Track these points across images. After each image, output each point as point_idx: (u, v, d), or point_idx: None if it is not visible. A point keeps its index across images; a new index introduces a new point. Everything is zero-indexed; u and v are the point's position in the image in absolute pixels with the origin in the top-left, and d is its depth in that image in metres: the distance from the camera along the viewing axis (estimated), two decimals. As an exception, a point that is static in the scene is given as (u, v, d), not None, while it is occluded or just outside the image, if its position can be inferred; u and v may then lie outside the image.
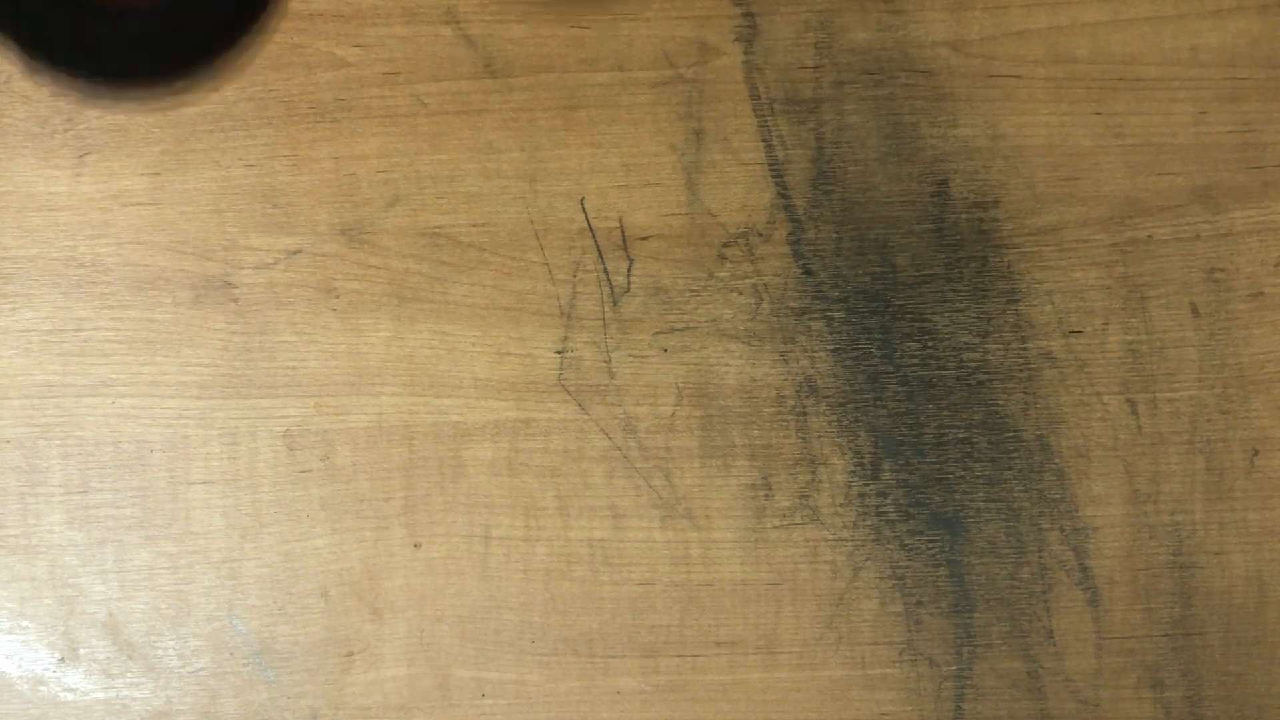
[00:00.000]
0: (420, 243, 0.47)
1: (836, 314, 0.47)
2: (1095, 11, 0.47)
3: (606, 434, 0.46)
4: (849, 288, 0.47)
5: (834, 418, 0.46)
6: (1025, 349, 0.46)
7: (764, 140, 0.46)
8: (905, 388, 0.46)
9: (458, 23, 0.46)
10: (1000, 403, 0.46)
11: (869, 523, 0.46)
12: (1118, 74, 0.47)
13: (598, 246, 0.46)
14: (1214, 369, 0.46)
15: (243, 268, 0.47)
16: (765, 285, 0.47)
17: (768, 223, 0.47)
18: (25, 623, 0.47)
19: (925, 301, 0.47)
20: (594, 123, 0.46)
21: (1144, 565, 0.46)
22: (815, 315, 0.47)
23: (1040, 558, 0.46)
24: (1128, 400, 0.46)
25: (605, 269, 0.46)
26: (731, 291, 0.47)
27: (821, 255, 0.47)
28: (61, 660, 0.47)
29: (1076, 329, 0.46)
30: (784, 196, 0.47)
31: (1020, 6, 0.47)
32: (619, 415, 0.46)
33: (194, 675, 0.47)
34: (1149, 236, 0.46)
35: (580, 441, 0.46)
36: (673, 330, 0.46)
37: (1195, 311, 0.46)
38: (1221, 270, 0.46)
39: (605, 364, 0.46)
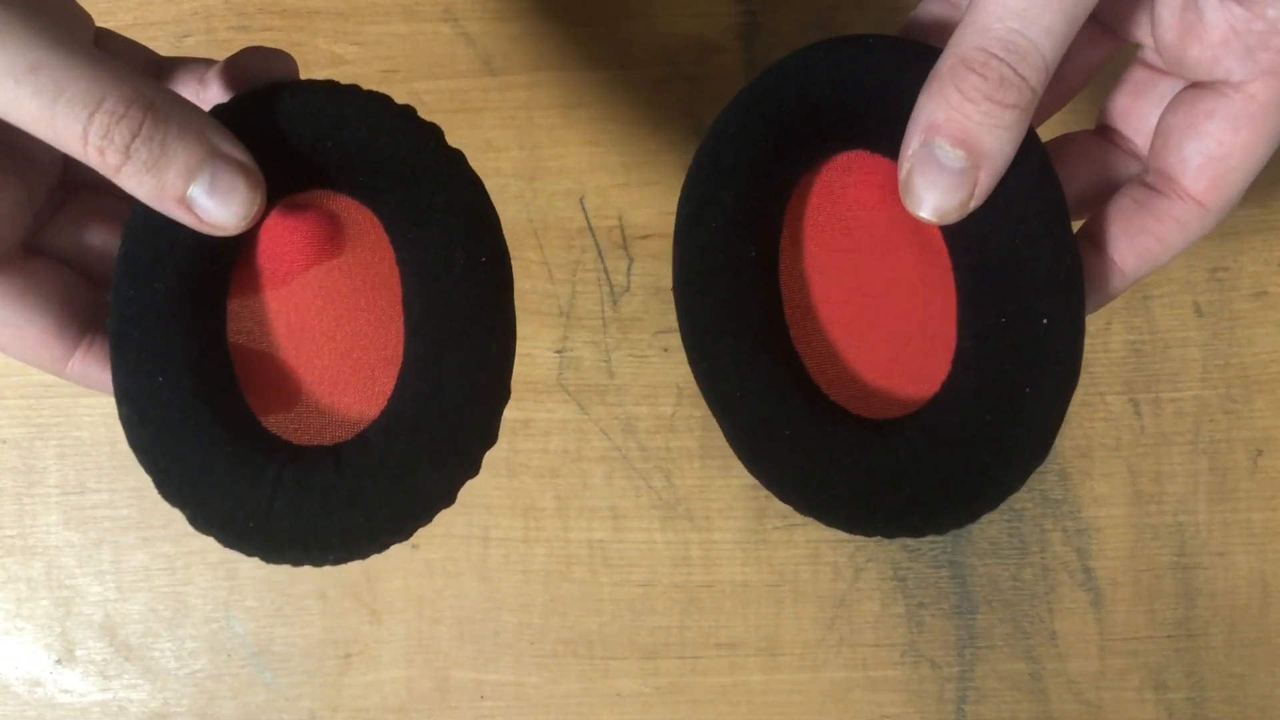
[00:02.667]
0: (419, 242, 0.46)
1: (838, 313, 0.46)
2: (1098, 9, 0.47)
3: (606, 434, 0.46)
4: (850, 287, 0.46)
5: (835, 418, 0.46)
6: (1027, 349, 0.46)
7: (765, 139, 0.46)
8: (907, 388, 0.46)
9: (456, 20, 0.46)
10: (1002, 403, 0.46)
11: (870, 523, 0.46)
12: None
13: (597, 245, 0.46)
14: (1217, 369, 0.46)
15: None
16: (766, 284, 0.46)
17: (768, 222, 0.46)
18: (22, 624, 0.47)
19: (927, 301, 0.46)
20: (594, 121, 0.46)
21: (1147, 566, 0.46)
22: (816, 315, 0.46)
23: (1043, 559, 0.46)
24: (1131, 400, 0.46)
25: (605, 268, 0.46)
26: (732, 291, 0.46)
27: (822, 254, 0.47)
28: (58, 662, 0.47)
29: (1079, 328, 0.46)
30: (785, 195, 0.46)
31: (1022, 4, 0.47)
32: (619, 415, 0.46)
33: (191, 677, 0.47)
34: (1152, 235, 0.46)
35: (580, 442, 0.46)
36: (673, 329, 0.46)
37: (1198, 311, 0.46)
38: (1224, 269, 0.46)
39: (605, 364, 0.46)
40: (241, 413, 0.29)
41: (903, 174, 0.28)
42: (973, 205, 0.28)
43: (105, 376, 0.30)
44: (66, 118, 0.26)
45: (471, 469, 0.29)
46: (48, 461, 0.47)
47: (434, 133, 0.30)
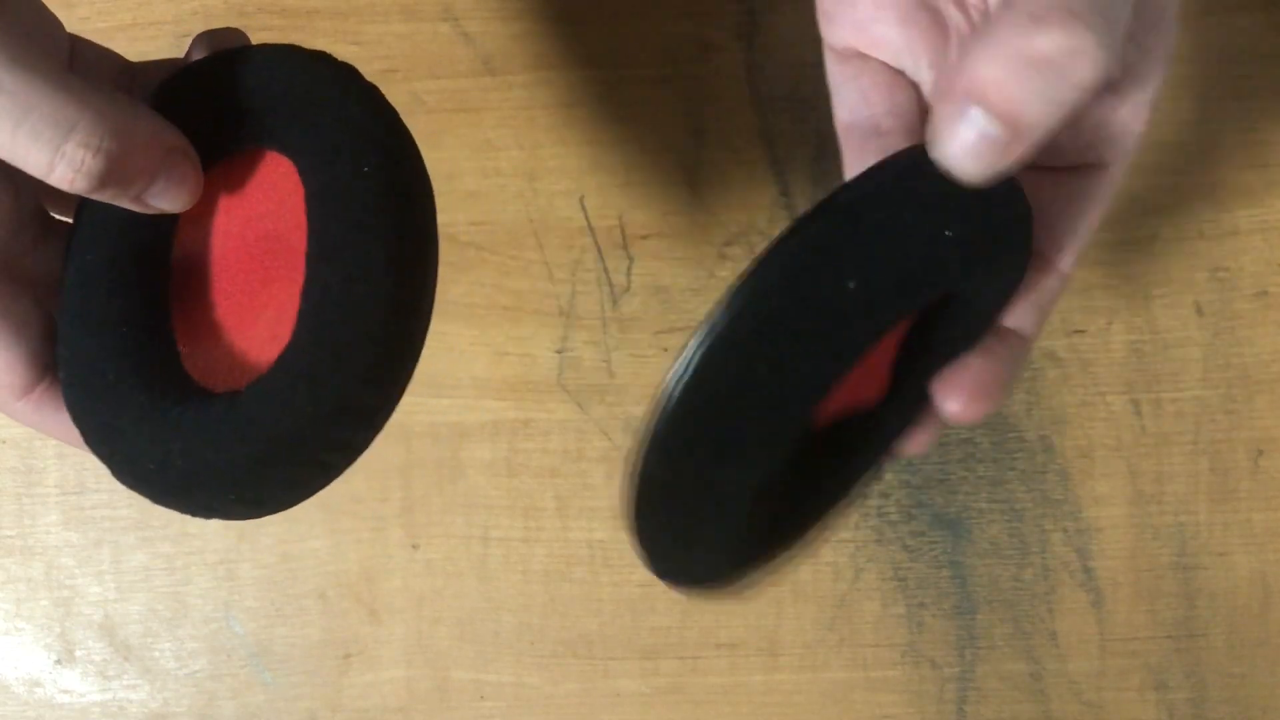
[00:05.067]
0: (419, 241, 0.46)
1: (838, 313, 0.46)
2: (1098, 8, 0.47)
3: (606, 434, 0.46)
4: (850, 287, 0.46)
5: (835, 418, 0.46)
6: (1028, 348, 0.46)
7: (764, 138, 0.46)
8: (907, 387, 0.46)
9: (456, 19, 0.46)
10: (1003, 403, 0.46)
11: (871, 524, 0.46)
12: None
13: (597, 245, 0.46)
14: (1218, 369, 0.46)
15: (240, 267, 0.46)
16: (766, 284, 0.46)
17: (769, 221, 0.46)
18: (21, 624, 0.47)
19: (927, 301, 0.46)
20: (594, 120, 0.46)
21: (1147, 566, 0.46)
22: (816, 314, 0.46)
23: (1043, 559, 0.46)
24: (1131, 400, 0.46)
25: (605, 268, 0.46)
26: (732, 291, 0.46)
27: (823, 254, 0.46)
28: (58, 662, 0.47)
29: (1080, 328, 0.46)
30: (785, 194, 0.46)
31: (1023, 3, 0.47)
32: (619, 415, 0.46)
33: (191, 677, 0.47)
34: (1153, 235, 0.46)
35: (580, 442, 0.46)
36: (673, 330, 0.46)
37: (1199, 311, 0.46)
38: (1225, 269, 0.46)
39: (605, 364, 0.46)
40: (167, 362, 0.30)
41: (933, 123, 0.25)
42: (999, 172, 0.25)
43: (58, 416, 0.30)
44: (31, 147, 0.26)
45: (361, 386, 0.27)
46: (47, 461, 0.47)
47: (347, 72, 0.30)
